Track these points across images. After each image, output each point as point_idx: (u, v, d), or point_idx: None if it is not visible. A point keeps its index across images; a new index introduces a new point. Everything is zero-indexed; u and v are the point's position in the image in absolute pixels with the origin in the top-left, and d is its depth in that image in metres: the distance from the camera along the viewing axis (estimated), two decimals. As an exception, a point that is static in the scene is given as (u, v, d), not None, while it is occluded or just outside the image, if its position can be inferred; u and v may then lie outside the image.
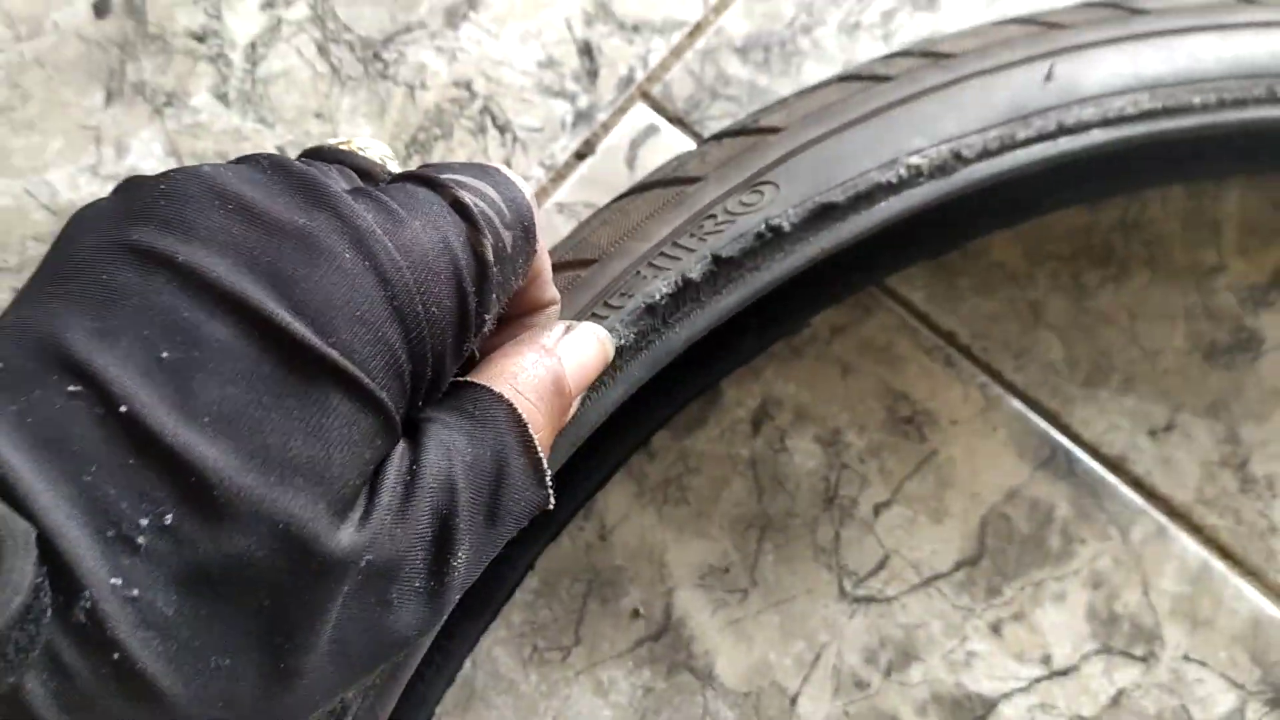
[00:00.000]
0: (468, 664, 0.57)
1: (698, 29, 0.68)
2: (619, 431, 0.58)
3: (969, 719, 0.58)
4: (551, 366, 0.37)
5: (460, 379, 0.35)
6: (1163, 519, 0.61)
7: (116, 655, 0.25)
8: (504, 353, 0.37)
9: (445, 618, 0.33)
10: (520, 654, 0.58)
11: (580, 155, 0.65)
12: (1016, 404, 0.63)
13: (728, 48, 0.68)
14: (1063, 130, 0.55)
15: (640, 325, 0.50)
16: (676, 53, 0.67)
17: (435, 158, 0.64)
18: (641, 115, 0.66)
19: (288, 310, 0.28)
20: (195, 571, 0.26)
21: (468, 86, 0.65)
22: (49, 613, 0.24)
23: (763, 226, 0.52)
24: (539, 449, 0.34)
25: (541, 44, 0.67)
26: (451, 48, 0.66)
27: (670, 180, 0.56)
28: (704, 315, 0.51)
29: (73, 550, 0.25)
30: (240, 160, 0.32)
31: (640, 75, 0.67)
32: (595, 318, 0.51)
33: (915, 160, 0.53)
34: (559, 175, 0.65)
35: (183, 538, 0.26)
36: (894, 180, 0.53)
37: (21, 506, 0.25)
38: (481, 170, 0.36)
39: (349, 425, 0.29)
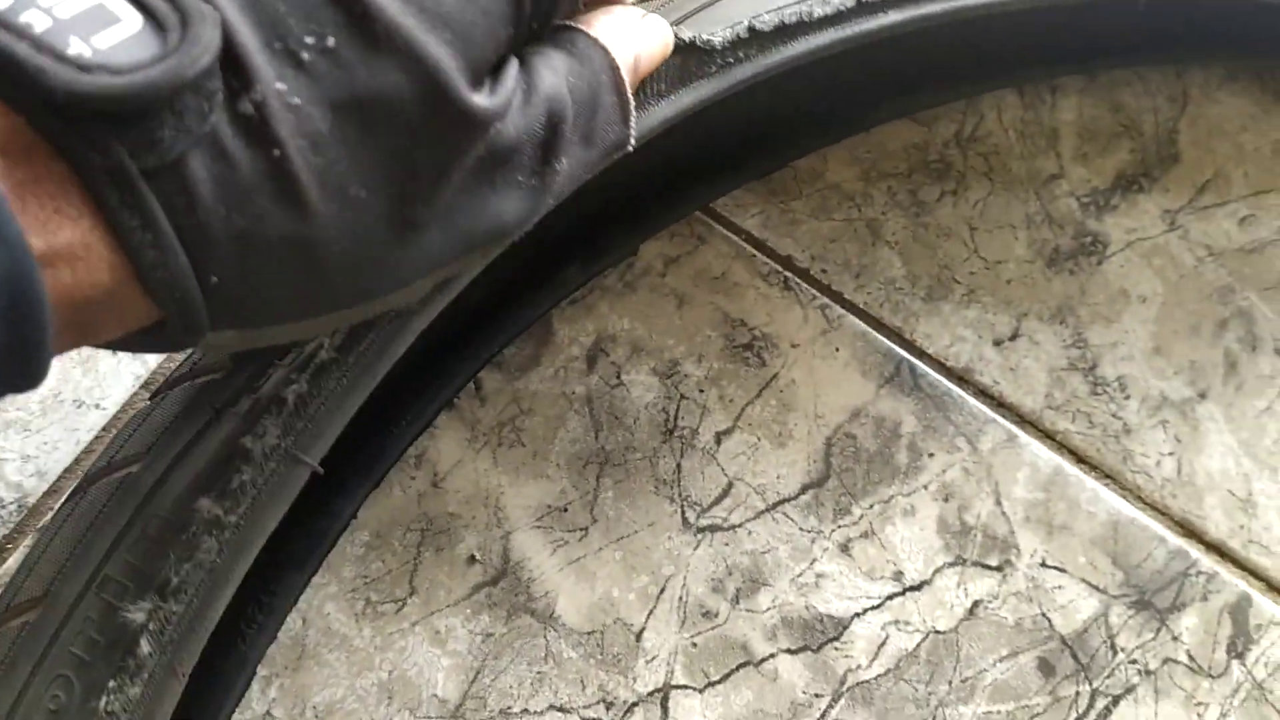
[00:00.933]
0: (298, 622, 0.55)
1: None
2: (442, 371, 0.57)
3: (821, 641, 0.57)
4: (634, 43, 0.39)
5: (562, 24, 0.37)
6: (1012, 427, 0.60)
7: (276, 152, 0.27)
8: (603, 10, 0.39)
9: (537, 218, 0.36)
10: (353, 608, 0.56)
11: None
12: (858, 323, 0.61)
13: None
14: (862, 6, 0.53)
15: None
16: None
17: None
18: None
19: None
20: (349, 97, 0.28)
21: None
22: (220, 95, 0.26)
23: None
24: (628, 92, 0.37)
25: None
26: None
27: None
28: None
29: (245, 47, 0.27)
30: None
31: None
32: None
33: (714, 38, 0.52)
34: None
35: (342, 62, 0.28)
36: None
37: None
38: None
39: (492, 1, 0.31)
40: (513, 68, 0.33)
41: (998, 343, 0.61)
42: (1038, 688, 0.56)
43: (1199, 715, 0.56)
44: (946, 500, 0.59)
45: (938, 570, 0.58)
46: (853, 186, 0.64)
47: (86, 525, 0.47)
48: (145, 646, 0.44)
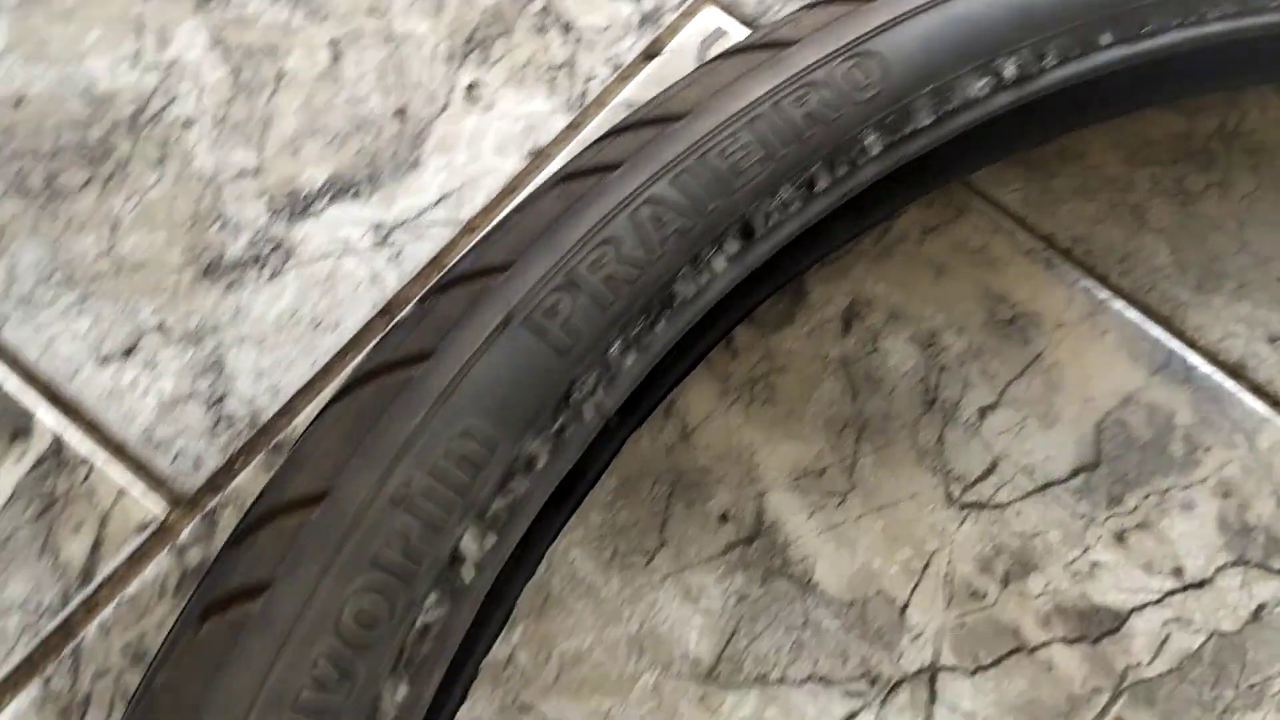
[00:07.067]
0: (543, 565, 0.51)
1: (769, -63, 0.65)
2: (701, 321, 0.53)
3: (1098, 632, 0.52)
4: None
5: None
6: (1291, 427, 0.56)
7: None
8: None
9: None
10: (600, 556, 0.52)
11: (648, 56, 0.62)
12: (1125, 308, 0.58)
13: (801, -45, 0.65)
14: (1141, 35, 0.53)
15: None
16: (748, -40, 0.64)
17: (495, 55, 0.61)
18: (710, 18, 0.63)
19: None
20: None
21: (531, -15, 0.62)
22: None
23: (866, 137, 0.50)
24: None
25: (608, -53, 0.64)
26: (514, -53, 0.63)
27: (762, 44, 0.52)
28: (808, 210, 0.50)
29: None
30: None
31: (710, -21, 0.64)
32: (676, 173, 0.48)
33: (1007, 68, 0.52)
34: (625, 75, 0.61)
35: None
36: (984, 92, 0.52)
37: None
38: None
39: None
40: None
41: (1272, 340, 0.58)
42: (1331, 702, 0.52)
43: None
44: (1226, 497, 0.55)
45: (1220, 569, 0.53)
46: (1115, 170, 0.61)
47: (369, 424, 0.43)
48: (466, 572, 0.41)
